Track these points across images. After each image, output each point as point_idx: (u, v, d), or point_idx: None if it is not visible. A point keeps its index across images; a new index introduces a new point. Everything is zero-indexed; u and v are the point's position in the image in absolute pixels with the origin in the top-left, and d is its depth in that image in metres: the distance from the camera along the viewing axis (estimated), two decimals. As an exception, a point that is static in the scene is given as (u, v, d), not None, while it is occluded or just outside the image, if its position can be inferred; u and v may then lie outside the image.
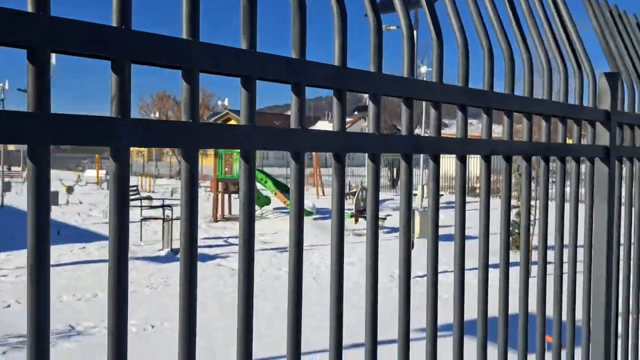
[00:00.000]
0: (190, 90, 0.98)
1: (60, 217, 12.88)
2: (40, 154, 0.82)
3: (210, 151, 18.56)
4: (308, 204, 13.35)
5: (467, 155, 1.59)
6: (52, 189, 9.56)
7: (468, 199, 1.70)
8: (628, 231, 2.43)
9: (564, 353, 2.08)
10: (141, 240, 10.18)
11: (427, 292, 1.49)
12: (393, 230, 10.78)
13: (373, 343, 1.33)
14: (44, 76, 0.80)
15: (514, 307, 1.66)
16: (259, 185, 15.73)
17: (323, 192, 21.51)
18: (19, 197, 19.32)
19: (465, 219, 1.57)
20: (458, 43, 1.54)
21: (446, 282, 1.59)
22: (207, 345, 4.23)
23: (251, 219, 1.06)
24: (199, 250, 1.13)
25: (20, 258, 8.52)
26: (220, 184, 14.47)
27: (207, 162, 19.59)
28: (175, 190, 20.92)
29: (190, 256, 0.98)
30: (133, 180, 22.28)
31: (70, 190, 19.82)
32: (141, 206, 12.11)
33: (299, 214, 1.17)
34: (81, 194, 20.49)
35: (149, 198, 14.12)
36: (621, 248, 2.38)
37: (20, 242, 8.86)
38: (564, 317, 2.05)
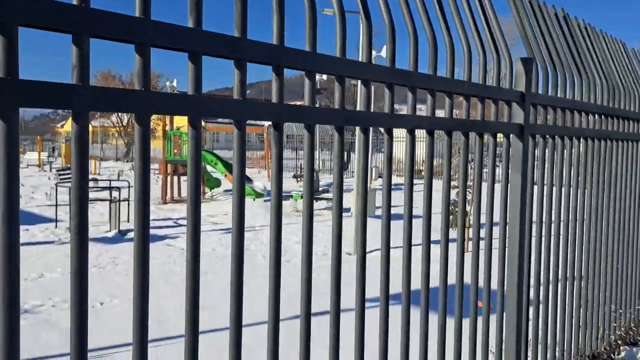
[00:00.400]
0: (143, 62, 1.11)
1: None
2: (9, 114, 0.94)
3: (159, 133, 18.23)
4: (259, 185, 13.43)
5: (393, 129, 1.78)
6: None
7: (415, 181, 1.91)
8: (540, 199, 2.73)
9: (493, 316, 2.37)
10: (87, 222, 10.01)
11: (356, 267, 1.68)
12: (346, 210, 11.05)
13: (307, 312, 1.51)
14: (13, 47, 0.92)
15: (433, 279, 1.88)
16: (209, 168, 15.64)
17: (274, 175, 21.58)
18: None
19: (390, 191, 1.78)
20: (386, 27, 1.73)
21: (379, 257, 1.79)
22: (159, 319, 4.33)
23: (198, 173, 1.21)
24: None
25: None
26: (169, 166, 14.31)
27: (155, 145, 19.24)
28: (122, 173, 20.46)
29: (143, 205, 1.12)
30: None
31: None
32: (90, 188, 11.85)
33: (241, 176, 1.33)
34: (23, 176, 19.69)
35: (94, 180, 13.80)
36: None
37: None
38: (494, 286, 2.31)
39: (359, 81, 1.69)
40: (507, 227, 2.46)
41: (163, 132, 15.10)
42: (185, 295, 1.28)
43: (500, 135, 2.40)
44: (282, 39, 1.38)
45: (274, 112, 1.38)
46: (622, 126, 3.65)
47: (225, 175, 14.71)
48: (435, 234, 1.92)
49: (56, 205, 10.32)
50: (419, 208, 1.93)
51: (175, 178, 14.50)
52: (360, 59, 1.72)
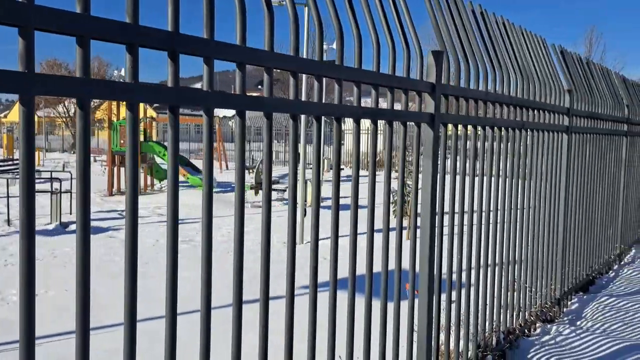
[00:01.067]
0: (26, 45, 1.15)
1: None
2: None
3: (106, 124, 17.76)
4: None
5: (300, 116, 1.86)
6: None
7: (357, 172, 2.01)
8: (453, 187, 2.90)
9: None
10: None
11: (310, 257, 1.77)
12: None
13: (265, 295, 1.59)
14: None
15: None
16: (158, 160, 15.39)
17: (227, 167, 21.44)
18: None
19: (271, 171, 1.88)
20: (289, 16, 1.81)
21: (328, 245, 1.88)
22: (97, 306, 4.30)
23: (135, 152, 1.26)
24: (92, 224, 1.34)
25: None
26: (115, 157, 14.00)
27: (102, 135, 18.74)
28: (68, 164, 19.83)
29: (84, 190, 1.17)
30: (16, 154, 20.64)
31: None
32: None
33: (134, 156, 1.39)
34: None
35: (37, 171, 13.33)
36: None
37: None
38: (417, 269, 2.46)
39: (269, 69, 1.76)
40: (421, 209, 2.61)
41: (109, 122, 14.74)
42: (124, 284, 1.36)
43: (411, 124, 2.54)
44: (177, 26, 1.44)
45: (170, 95, 1.44)
46: (538, 117, 3.88)
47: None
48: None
49: (-7, 197, 9.94)
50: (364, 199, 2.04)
51: (122, 170, 14.19)
52: (291, 49, 1.79)
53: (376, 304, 2.25)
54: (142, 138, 14.47)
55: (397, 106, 2.38)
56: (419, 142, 2.57)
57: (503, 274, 3.54)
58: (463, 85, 2.89)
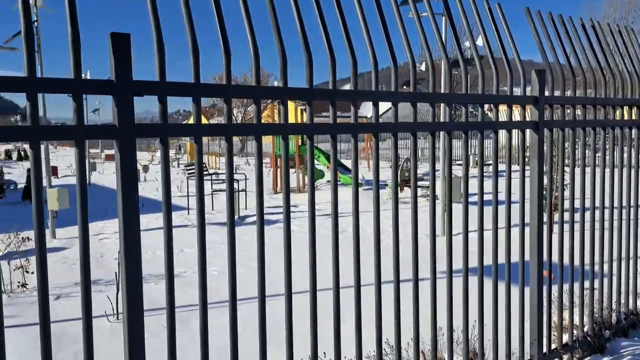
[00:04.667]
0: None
1: (140, 192, 14.69)
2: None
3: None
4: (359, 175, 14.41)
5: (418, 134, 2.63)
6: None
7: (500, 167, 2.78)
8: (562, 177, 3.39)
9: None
10: (213, 209, 11.78)
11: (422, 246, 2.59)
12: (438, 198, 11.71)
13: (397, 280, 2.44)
14: None
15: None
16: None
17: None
18: (102, 176, 21.82)
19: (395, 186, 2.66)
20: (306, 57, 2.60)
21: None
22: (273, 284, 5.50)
23: (231, 166, 2.20)
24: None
25: (115, 225, 10.27)
26: (278, 159, 15.80)
27: (266, 139, 21.01)
28: (239, 167, 22.57)
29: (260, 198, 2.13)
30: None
31: (145, 169, 22.07)
32: (211, 180, 13.71)
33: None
34: (156, 172, 22.64)
35: (216, 174, 15.68)
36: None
37: (113, 213, 10.55)
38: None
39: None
40: (529, 203, 3.20)
41: (273, 129, 16.58)
42: (284, 264, 2.30)
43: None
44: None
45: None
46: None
47: (327, 167, 15.92)
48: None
49: (187, 196, 12.21)
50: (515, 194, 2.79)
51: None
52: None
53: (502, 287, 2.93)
54: (300, 141, 16.11)
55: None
56: (524, 145, 3.16)
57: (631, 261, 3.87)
58: (570, 93, 3.37)
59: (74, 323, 4.84)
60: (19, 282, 6.46)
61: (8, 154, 41.67)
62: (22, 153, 41.19)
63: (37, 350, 4.97)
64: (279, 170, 15.71)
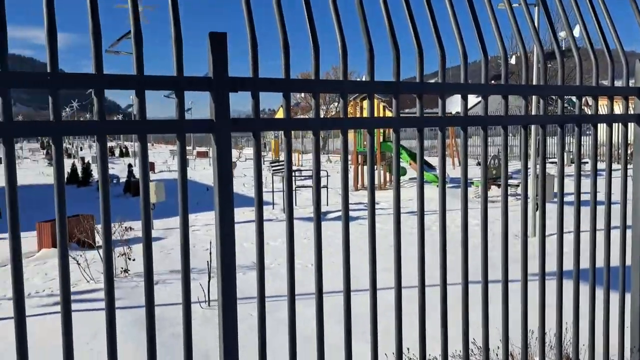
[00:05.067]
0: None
1: (228, 187, 15.33)
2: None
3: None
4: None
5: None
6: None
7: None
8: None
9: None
10: (296, 204, 12.07)
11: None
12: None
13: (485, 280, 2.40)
14: None
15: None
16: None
17: (459, 162, 21.83)
18: (194, 172, 23.15)
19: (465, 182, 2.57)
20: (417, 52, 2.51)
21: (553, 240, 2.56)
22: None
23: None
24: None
25: (206, 217, 10.80)
26: (359, 156, 15.83)
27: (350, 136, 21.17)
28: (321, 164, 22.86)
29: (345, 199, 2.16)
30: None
31: (233, 165, 23.08)
32: (294, 176, 14.05)
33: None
34: (243, 168, 23.60)
35: (299, 170, 16.01)
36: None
37: (204, 206, 11.10)
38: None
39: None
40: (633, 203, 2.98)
41: (355, 126, 16.64)
42: (369, 258, 2.32)
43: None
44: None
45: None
46: None
47: (410, 164, 15.70)
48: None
49: (272, 191, 12.58)
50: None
51: (366, 167, 15.97)
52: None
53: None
54: (381, 138, 16.03)
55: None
56: (626, 140, 2.94)
57: None
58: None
59: (169, 308, 5.18)
60: (122, 268, 7.03)
61: (111, 151, 45.07)
62: (123, 150, 44.42)
63: (138, 329, 5.33)
64: (359, 167, 15.73)
